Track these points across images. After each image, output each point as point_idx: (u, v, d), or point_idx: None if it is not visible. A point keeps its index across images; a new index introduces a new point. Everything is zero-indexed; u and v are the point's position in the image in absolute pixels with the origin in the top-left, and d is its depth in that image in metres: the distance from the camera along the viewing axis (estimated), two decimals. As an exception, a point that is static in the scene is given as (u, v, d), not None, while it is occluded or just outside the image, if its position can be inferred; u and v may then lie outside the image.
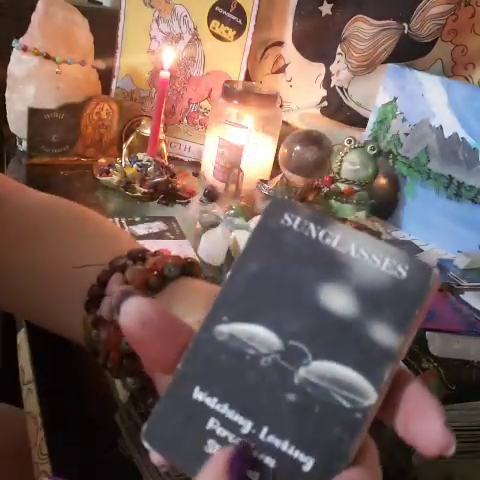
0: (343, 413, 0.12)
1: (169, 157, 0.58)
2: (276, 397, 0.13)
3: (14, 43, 0.52)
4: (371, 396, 0.12)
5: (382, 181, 0.55)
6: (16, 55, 0.53)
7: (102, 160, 0.55)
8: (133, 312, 0.13)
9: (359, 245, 0.14)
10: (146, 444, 0.13)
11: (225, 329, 0.13)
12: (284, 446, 0.12)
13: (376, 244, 0.14)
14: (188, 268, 0.21)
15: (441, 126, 0.51)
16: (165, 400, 0.13)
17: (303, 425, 0.12)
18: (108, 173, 0.52)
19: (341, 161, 0.52)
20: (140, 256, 0.22)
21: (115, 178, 0.51)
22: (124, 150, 0.55)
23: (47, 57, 0.52)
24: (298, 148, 0.56)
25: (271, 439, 0.12)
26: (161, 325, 0.14)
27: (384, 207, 0.56)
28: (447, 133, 0.51)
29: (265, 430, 0.13)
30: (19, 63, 0.53)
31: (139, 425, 0.23)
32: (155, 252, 0.22)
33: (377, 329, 0.13)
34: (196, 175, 0.58)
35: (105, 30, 0.57)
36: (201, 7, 0.59)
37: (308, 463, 0.12)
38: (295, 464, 0.12)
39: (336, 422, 0.12)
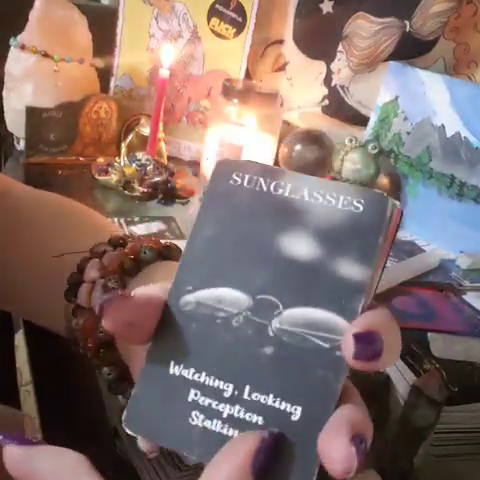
0: (323, 354, 0.12)
1: (168, 156, 0.57)
2: (253, 353, 0.13)
3: (12, 41, 0.52)
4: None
5: (383, 180, 0.55)
6: (14, 53, 0.53)
7: (101, 159, 0.55)
8: (115, 316, 0.13)
9: (312, 189, 0.13)
10: (128, 430, 0.13)
11: (191, 298, 0.13)
12: (269, 401, 0.12)
13: (329, 185, 0.14)
14: (166, 252, 0.21)
15: (443, 125, 0.51)
16: (141, 381, 0.13)
17: (285, 375, 0.12)
18: (107, 172, 0.52)
19: (342, 160, 0.52)
20: (121, 242, 0.21)
21: (114, 177, 0.51)
22: (123, 149, 0.55)
23: (45, 55, 0.52)
24: (299, 147, 0.56)
25: (255, 397, 0.12)
26: (140, 316, 0.13)
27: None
28: (449, 132, 0.50)
29: (247, 389, 0.12)
30: (17, 61, 0.53)
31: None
32: (137, 238, 0.22)
33: (343, 265, 0.13)
34: (195, 174, 0.58)
35: (104, 28, 0.57)
36: (201, 5, 0.58)
37: (296, 412, 0.12)
38: (283, 416, 0.12)
39: (317, 364, 0.12)
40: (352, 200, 0.13)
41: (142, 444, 0.13)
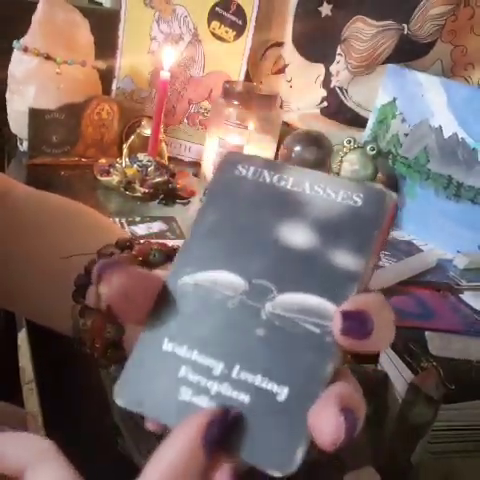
0: (313, 339, 0.12)
1: (169, 157, 0.58)
2: (245, 334, 0.13)
3: (15, 44, 0.52)
4: None
5: (381, 181, 0.56)
6: (17, 56, 0.53)
7: (102, 160, 0.55)
8: (115, 283, 0.13)
9: (313, 183, 0.14)
10: (119, 401, 0.13)
11: (189, 279, 0.14)
12: (257, 380, 0.12)
13: (330, 179, 0.14)
14: (173, 255, 0.20)
15: (441, 126, 0.51)
16: (134, 356, 0.13)
17: (274, 357, 0.13)
18: (108, 173, 0.52)
19: (341, 161, 0.52)
20: (128, 244, 0.22)
21: (115, 178, 0.51)
22: (124, 150, 0.55)
23: (48, 58, 0.52)
24: (298, 148, 0.56)
25: (243, 376, 0.13)
26: (137, 288, 0.13)
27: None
28: (446, 133, 0.51)
29: (237, 368, 0.13)
30: (20, 64, 0.53)
31: (139, 425, 0.23)
32: (144, 241, 0.22)
33: (338, 255, 0.13)
34: (196, 175, 0.58)
35: (106, 31, 0.58)
36: (201, 8, 0.59)
37: (282, 392, 0.12)
38: (269, 396, 0.12)
39: (307, 348, 0.12)
40: (351, 194, 0.13)
41: (147, 424, 0.13)
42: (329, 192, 0.14)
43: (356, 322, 0.12)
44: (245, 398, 0.12)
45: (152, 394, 0.13)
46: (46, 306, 0.24)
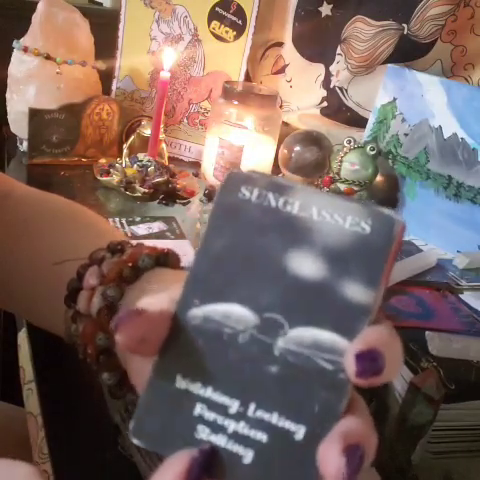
0: (327, 376, 0.12)
1: (169, 157, 0.58)
2: (259, 371, 0.13)
3: (15, 44, 0.52)
4: None
5: (382, 181, 0.56)
6: (17, 56, 0.53)
7: (102, 160, 0.55)
8: (130, 333, 0.13)
9: (320, 207, 0.14)
10: (136, 441, 0.13)
11: (198, 312, 0.13)
12: (274, 419, 0.12)
13: (337, 203, 0.14)
14: (163, 259, 0.21)
15: (440, 126, 0.51)
16: (148, 393, 0.13)
17: (289, 394, 0.12)
18: (108, 173, 0.52)
19: (341, 161, 0.52)
20: (119, 248, 0.21)
21: (115, 178, 0.51)
22: (124, 150, 0.55)
23: (48, 58, 0.52)
24: (298, 148, 0.56)
25: (260, 414, 0.12)
26: (151, 331, 0.13)
27: (384, 207, 0.56)
28: (446, 133, 0.51)
29: (253, 406, 0.13)
30: (20, 64, 0.53)
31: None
32: (136, 244, 0.22)
33: (349, 287, 0.13)
34: (196, 175, 0.58)
35: (106, 31, 0.58)
36: (201, 8, 0.59)
37: (300, 431, 0.12)
38: (287, 434, 0.12)
39: (321, 386, 0.12)
40: (360, 221, 0.13)
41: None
42: (336, 218, 0.13)
43: (369, 362, 0.12)
44: (263, 437, 0.12)
45: (169, 433, 0.13)
46: (41, 308, 0.24)
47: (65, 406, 0.28)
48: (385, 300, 0.38)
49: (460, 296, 0.41)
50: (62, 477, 0.23)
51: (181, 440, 0.13)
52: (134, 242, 0.22)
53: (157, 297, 0.15)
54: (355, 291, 0.13)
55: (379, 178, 0.55)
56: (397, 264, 0.43)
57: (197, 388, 0.13)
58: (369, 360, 0.12)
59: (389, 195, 0.55)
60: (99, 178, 0.52)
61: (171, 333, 0.13)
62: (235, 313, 0.13)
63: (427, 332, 0.33)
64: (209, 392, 0.13)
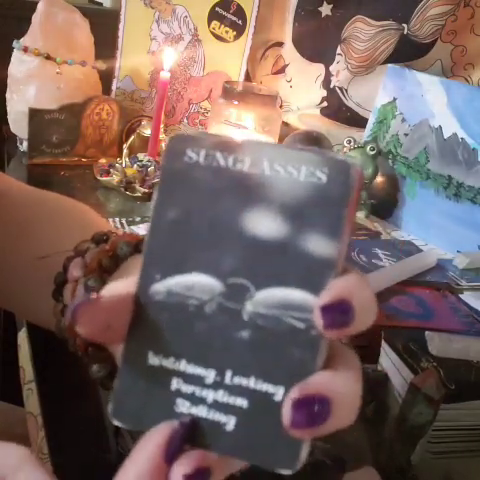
0: (299, 334, 0.12)
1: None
2: (230, 339, 0.12)
3: (15, 44, 0.53)
4: None
5: (382, 181, 0.56)
6: (17, 56, 0.53)
7: (102, 160, 0.55)
8: (89, 321, 0.13)
9: (272, 161, 0.13)
10: (116, 422, 0.13)
11: (161, 287, 0.13)
12: (251, 383, 0.12)
13: (289, 154, 0.13)
14: (141, 245, 0.20)
15: (440, 126, 0.51)
16: (122, 374, 0.13)
17: (264, 357, 0.12)
18: (108, 173, 0.52)
19: (341, 161, 0.52)
20: (105, 238, 0.21)
21: (115, 178, 0.51)
22: (124, 150, 0.55)
23: (48, 58, 0.52)
24: (298, 148, 0.56)
25: (237, 380, 0.12)
26: (113, 316, 0.13)
27: (384, 207, 0.56)
28: (446, 133, 0.51)
29: (229, 374, 0.12)
30: (20, 64, 0.53)
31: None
32: (121, 234, 0.22)
33: (311, 242, 0.12)
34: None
35: (106, 31, 0.58)
36: (201, 8, 0.59)
37: (278, 392, 0.12)
38: (267, 397, 0.12)
39: (294, 345, 0.12)
40: (315, 170, 0.12)
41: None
42: (290, 170, 0.12)
43: (337, 313, 0.12)
44: (243, 403, 0.12)
45: (149, 410, 0.13)
46: (34, 304, 0.24)
47: (65, 406, 0.28)
48: (385, 300, 0.38)
49: (460, 296, 0.41)
50: (62, 477, 0.24)
51: (162, 416, 0.13)
52: (120, 232, 0.22)
53: (120, 281, 0.14)
54: (318, 245, 0.12)
55: (379, 178, 0.55)
56: (397, 264, 0.43)
57: (171, 363, 0.13)
58: (336, 311, 0.12)
59: (389, 195, 0.56)
60: (99, 178, 0.52)
61: (136, 312, 0.13)
62: (198, 283, 0.13)
63: (427, 332, 0.33)
64: (183, 365, 0.13)
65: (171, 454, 0.12)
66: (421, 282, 0.42)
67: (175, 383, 0.13)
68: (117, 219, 0.45)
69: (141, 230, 0.44)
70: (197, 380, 0.13)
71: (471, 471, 0.29)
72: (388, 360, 0.31)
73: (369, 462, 0.25)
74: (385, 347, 0.31)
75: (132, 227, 0.45)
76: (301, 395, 0.11)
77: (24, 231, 0.25)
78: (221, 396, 0.12)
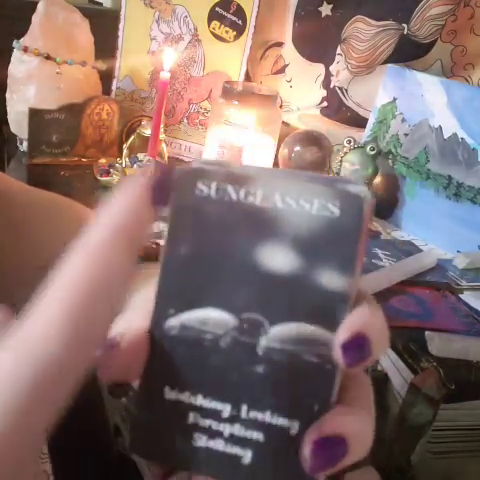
0: (313, 369, 0.12)
1: (169, 157, 0.58)
2: (245, 373, 0.13)
3: (15, 44, 0.53)
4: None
5: (382, 181, 0.56)
6: (17, 56, 0.53)
7: (102, 160, 0.55)
8: (110, 371, 0.13)
9: (284, 194, 0.13)
10: (135, 457, 0.13)
11: (175, 322, 0.13)
12: (267, 417, 0.12)
13: (301, 187, 0.13)
14: (149, 254, 0.20)
15: (440, 126, 0.51)
16: (139, 409, 0.13)
17: (279, 392, 0.12)
18: (108, 173, 0.52)
19: (341, 161, 0.52)
20: None
21: (115, 178, 0.51)
22: (124, 150, 0.55)
23: (48, 58, 0.52)
24: (298, 148, 0.56)
25: (253, 414, 0.12)
26: (130, 357, 0.13)
27: (384, 207, 0.56)
28: (446, 133, 0.51)
29: (245, 408, 0.13)
30: (20, 64, 0.53)
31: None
32: None
33: (324, 276, 0.12)
34: (196, 175, 0.58)
35: (106, 31, 0.58)
36: (201, 8, 0.59)
37: (294, 426, 0.12)
38: (282, 431, 0.12)
39: (309, 380, 0.12)
40: (327, 203, 0.12)
41: (154, 473, 0.13)
42: (302, 203, 0.13)
43: (356, 350, 0.12)
44: (259, 436, 0.12)
45: (166, 444, 0.13)
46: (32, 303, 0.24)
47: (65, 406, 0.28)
48: (385, 300, 0.38)
49: (460, 296, 0.41)
50: (62, 477, 0.24)
51: (179, 449, 0.13)
52: None
53: (131, 316, 0.14)
54: (331, 279, 0.12)
55: (379, 178, 0.55)
56: (397, 264, 0.43)
57: (187, 397, 0.13)
58: (356, 348, 0.12)
59: (389, 195, 0.56)
60: (99, 178, 0.52)
61: (151, 348, 0.13)
62: (212, 317, 0.13)
63: (427, 332, 0.33)
64: (200, 399, 0.13)
65: (159, 194, 0.12)
66: (421, 282, 0.42)
67: (192, 417, 0.13)
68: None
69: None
70: (213, 414, 0.13)
71: (471, 471, 0.29)
72: (388, 360, 0.31)
73: (369, 462, 0.25)
74: (385, 347, 0.31)
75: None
76: (319, 437, 0.12)
77: (24, 231, 0.25)
78: (237, 430, 0.13)
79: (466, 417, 0.29)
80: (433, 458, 0.28)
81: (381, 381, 0.30)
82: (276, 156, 0.57)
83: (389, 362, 0.31)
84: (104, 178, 0.52)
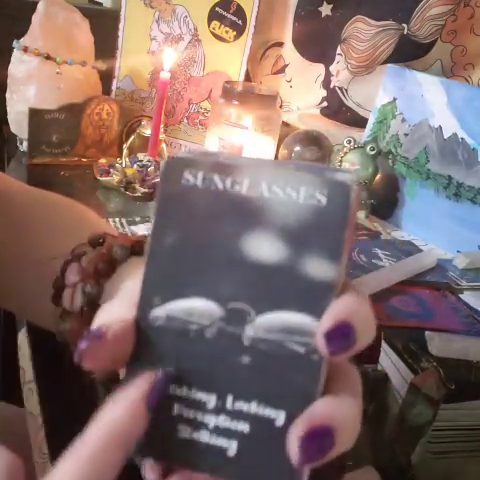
0: (299, 358, 0.12)
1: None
2: (231, 363, 0.12)
3: (15, 44, 0.53)
4: None
5: (382, 181, 0.56)
6: (17, 56, 0.53)
7: (102, 160, 0.55)
8: (95, 360, 0.13)
9: (270, 182, 0.12)
10: None
11: (161, 312, 0.13)
12: (253, 408, 0.12)
13: (287, 176, 0.12)
14: (137, 247, 0.20)
15: (440, 126, 0.51)
16: None
17: (265, 382, 0.12)
18: (108, 173, 0.52)
19: (341, 161, 0.52)
20: (101, 241, 0.21)
21: (115, 178, 0.51)
22: (124, 150, 0.55)
23: (48, 57, 0.52)
24: (298, 148, 0.56)
25: (238, 405, 0.12)
26: (115, 347, 0.13)
27: (384, 207, 0.56)
28: (446, 133, 0.51)
29: (230, 398, 0.12)
30: (20, 64, 0.53)
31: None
32: (117, 235, 0.21)
33: (310, 265, 0.12)
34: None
35: (106, 31, 0.58)
36: (201, 8, 0.59)
37: (280, 417, 0.12)
38: (268, 421, 0.12)
39: (295, 369, 0.12)
40: (314, 192, 0.12)
41: (147, 474, 0.13)
42: (289, 192, 0.12)
43: (340, 338, 0.12)
44: (244, 427, 0.12)
45: (151, 437, 0.12)
46: (34, 307, 0.24)
47: (65, 406, 0.28)
48: (385, 300, 0.38)
49: (460, 296, 0.41)
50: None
51: (164, 442, 0.12)
52: (116, 233, 0.22)
53: (117, 307, 0.14)
54: (317, 268, 0.12)
55: (379, 178, 0.55)
56: (397, 264, 0.43)
57: (172, 388, 0.13)
58: (340, 336, 0.12)
59: (389, 195, 0.56)
60: (99, 178, 0.52)
61: (137, 338, 0.13)
62: (198, 308, 0.13)
63: (427, 332, 0.33)
64: (185, 391, 0.13)
65: (153, 400, 0.12)
66: (421, 282, 0.42)
67: (176, 408, 0.13)
68: (117, 219, 0.45)
69: (141, 230, 0.44)
70: (198, 405, 0.13)
71: (471, 471, 0.29)
72: (388, 360, 0.31)
73: (369, 462, 0.25)
74: (385, 347, 0.31)
75: (132, 227, 0.45)
76: (306, 429, 0.11)
77: (24, 230, 0.25)
78: (223, 421, 0.12)
79: (466, 417, 0.29)
80: (433, 458, 0.28)
81: (381, 381, 0.30)
82: (276, 156, 0.57)
83: (389, 362, 0.31)
84: (104, 178, 0.52)
